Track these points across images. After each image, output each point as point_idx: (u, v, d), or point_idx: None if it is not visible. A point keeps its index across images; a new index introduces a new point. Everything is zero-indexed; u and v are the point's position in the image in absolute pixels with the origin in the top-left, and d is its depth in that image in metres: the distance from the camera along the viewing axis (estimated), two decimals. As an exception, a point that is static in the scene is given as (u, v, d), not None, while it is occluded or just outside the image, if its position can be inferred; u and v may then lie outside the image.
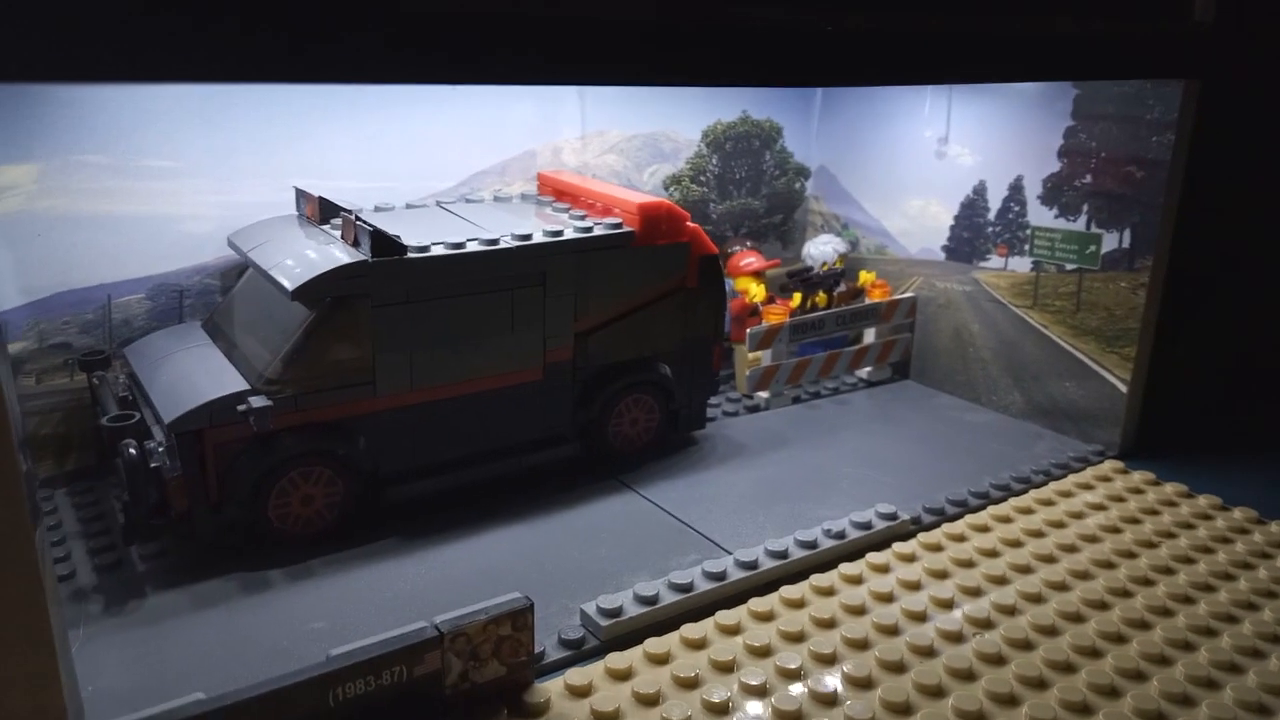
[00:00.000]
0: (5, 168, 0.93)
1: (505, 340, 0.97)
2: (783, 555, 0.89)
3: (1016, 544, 0.94)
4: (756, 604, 0.83)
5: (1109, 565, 0.91)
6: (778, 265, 1.38)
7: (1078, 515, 1.00)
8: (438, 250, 0.92)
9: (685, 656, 0.76)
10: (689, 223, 1.08)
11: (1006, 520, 0.99)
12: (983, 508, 1.02)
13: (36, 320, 0.98)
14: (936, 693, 0.73)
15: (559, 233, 0.99)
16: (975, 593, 0.86)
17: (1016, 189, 1.22)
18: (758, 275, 1.33)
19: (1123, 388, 1.15)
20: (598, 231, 1.02)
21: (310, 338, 0.88)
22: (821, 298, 1.37)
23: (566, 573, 0.89)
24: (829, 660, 0.76)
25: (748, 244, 1.40)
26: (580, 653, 0.78)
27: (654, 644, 0.77)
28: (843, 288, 1.41)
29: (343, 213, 0.94)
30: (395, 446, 0.94)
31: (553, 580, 0.87)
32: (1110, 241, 1.13)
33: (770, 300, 1.33)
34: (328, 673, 0.63)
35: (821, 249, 1.40)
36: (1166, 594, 0.86)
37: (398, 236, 0.91)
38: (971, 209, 1.28)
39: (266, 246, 0.95)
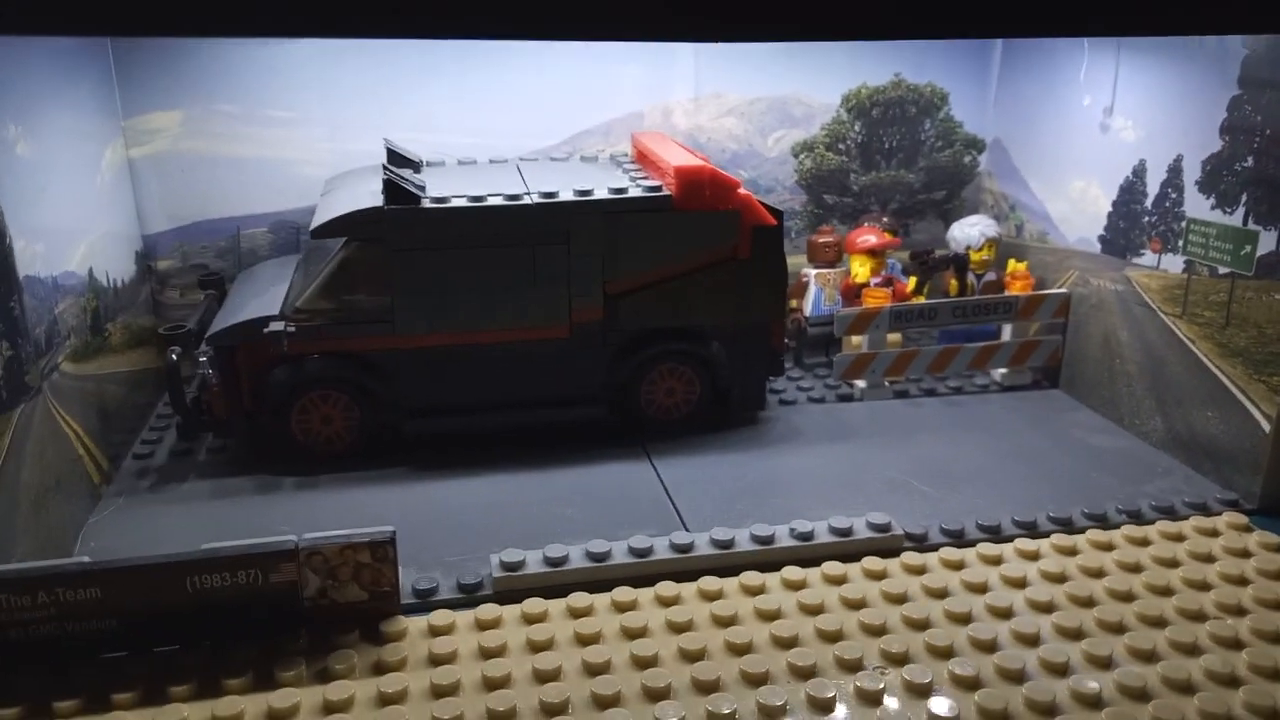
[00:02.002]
0: (156, 114, 1.12)
1: (527, 295, 1.00)
2: (726, 545, 0.84)
3: (1020, 584, 0.80)
4: (664, 588, 0.79)
5: (1116, 628, 0.74)
6: (898, 244, 1.26)
7: (1133, 567, 0.82)
8: (458, 202, 0.97)
9: (556, 623, 0.75)
10: (740, 190, 1.02)
11: (1031, 556, 0.84)
12: (1033, 537, 0.87)
13: (180, 243, 1.17)
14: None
15: (587, 192, 0.99)
16: (878, 631, 0.74)
17: (1175, 172, 1.00)
18: (874, 253, 1.22)
19: (1266, 425, 0.91)
20: (630, 194, 1.00)
21: (333, 275, 0.98)
22: (953, 284, 1.23)
23: (518, 524, 0.90)
24: (690, 657, 0.71)
25: (884, 220, 1.28)
26: (471, 598, 0.80)
27: (533, 604, 0.77)
28: (992, 276, 1.25)
29: (384, 164, 1.02)
30: (415, 384, 1.01)
31: (499, 529, 0.89)
32: (1268, 241, 0.90)
33: (885, 282, 1.22)
34: (185, 560, 0.71)
35: (967, 232, 1.25)
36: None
37: (422, 187, 0.97)
38: (1130, 194, 1.07)
39: (334, 191, 1.06)
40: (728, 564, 0.83)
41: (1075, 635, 0.74)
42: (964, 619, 0.76)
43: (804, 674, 0.70)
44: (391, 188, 0.95)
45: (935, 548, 0.86)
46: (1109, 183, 1.10)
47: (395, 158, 1.08)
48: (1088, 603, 0.78)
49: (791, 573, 0.81)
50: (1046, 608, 0.77)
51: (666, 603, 0.78)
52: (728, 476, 1.00)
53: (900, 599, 0.78)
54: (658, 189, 1.01)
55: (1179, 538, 0.87)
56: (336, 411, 1.00)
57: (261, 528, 0.88)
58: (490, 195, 0.98)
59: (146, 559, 0.71)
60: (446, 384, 1.01)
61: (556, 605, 0.77)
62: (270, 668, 0.70)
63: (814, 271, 1.26)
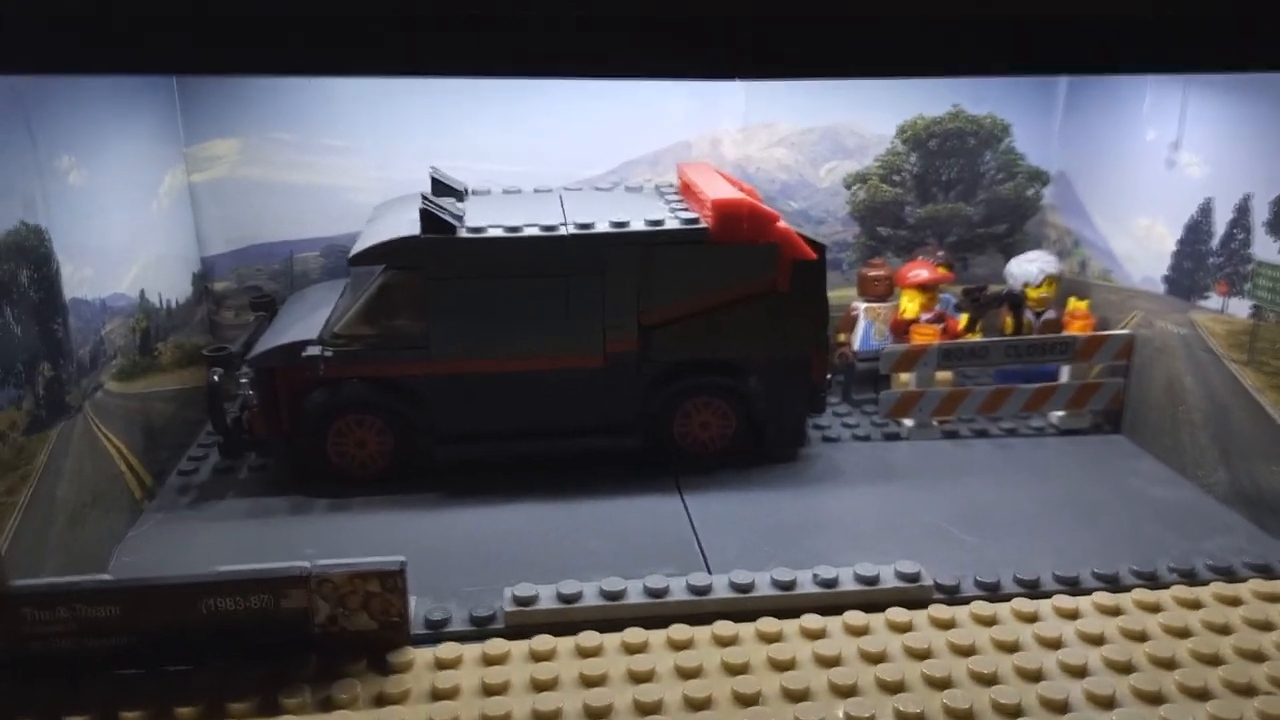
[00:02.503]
0: (217, 141, 1.16)
1: (561, 325, 0.99)
2: (745, 589, 0.82)
3: (1054, 644, 0.76)
4: (677, 631, 0.77)
5: (1154, 698, 0.70)
6: (951, 279, 1.22)
7: (1180, 632, 0.77)
8: (494, 233, 0.97)
9: (563, 662, 0.74)
10: (779, 224, 1.00)
11: (1070, 615, 0.79)
12: (1074, 593, 0.83)
13: (236, 266, 1.21)
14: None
15: (623, 224, 0.99)
16: (894, 688, 0.71)
17: (1243, 212, 0.94)
18: (925, 288, 1.18)
19: (1336, 485, 0.85)
20: (667, 226, 0.99)
21: (371, 301, 0.99)
22: (1009, 322, 1.18)
23: (540, 555, 0.90)
24: (695, 705, 0.69)
25: (939, 254, 1.24)
26: (482, 631, 0.79)
27: (542, 641, 0.76)
28: (1051, 314, 1.20)
29: (422, 193, 1.03)
30: (448, 410, 1.01)
31: (520, 559, 0.89)
32: (1341, 287, 0.84)
33: (936, 319, 1.18)
34: (201, 582, 0.72)
35: (1025, 268, 1.20)
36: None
37: (459, 216, 0.98)
38: (1195, 233, 1.02)
39: (378, 219, 1.08)
40: (745, 609, 0.81)
41: (1108, 704, 0.69)
42: (989, 680, 0.72)
43: (817, 730, 0.67)
44: (427, 217, 0.96)
45: (967, 600, 0.82)
46: (1174, 221, 1.04)
47: (439, 186, 1.09)
48: (1126, 669, 0.73)
49: (810, 621, 0.78)
50: (1079, 672, 0.73)
51: (678, 646, 0.76)
52: (759, 515, 0.97)
53: (923, 654, 0.75)
54: (695, 221, 1.00)
55: (1235, 601, 0.82)
56: (371, 436, 1.01)
57: (288, 549, 0.91)
58: (526, 226, 0.98)
59: (163, 579, 0.73)
60: (480, 411, 1.02)
61: (565, 644, 0.76)
62: (276, 693, 0.70)
63: (864, 305, 1.23)
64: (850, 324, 1.24)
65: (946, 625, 0.79)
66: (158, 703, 0.69)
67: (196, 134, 1.15)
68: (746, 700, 0.70)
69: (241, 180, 1.18)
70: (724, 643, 0.77)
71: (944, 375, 1.17)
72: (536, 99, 1.18)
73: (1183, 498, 1.01)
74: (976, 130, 1.26)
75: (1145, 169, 1.09)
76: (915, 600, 0.82)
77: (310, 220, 1.20)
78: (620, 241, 0.98)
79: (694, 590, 0.81)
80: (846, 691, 0.71)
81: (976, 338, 1.19)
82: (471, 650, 0.76)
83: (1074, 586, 0.85)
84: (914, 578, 0.83)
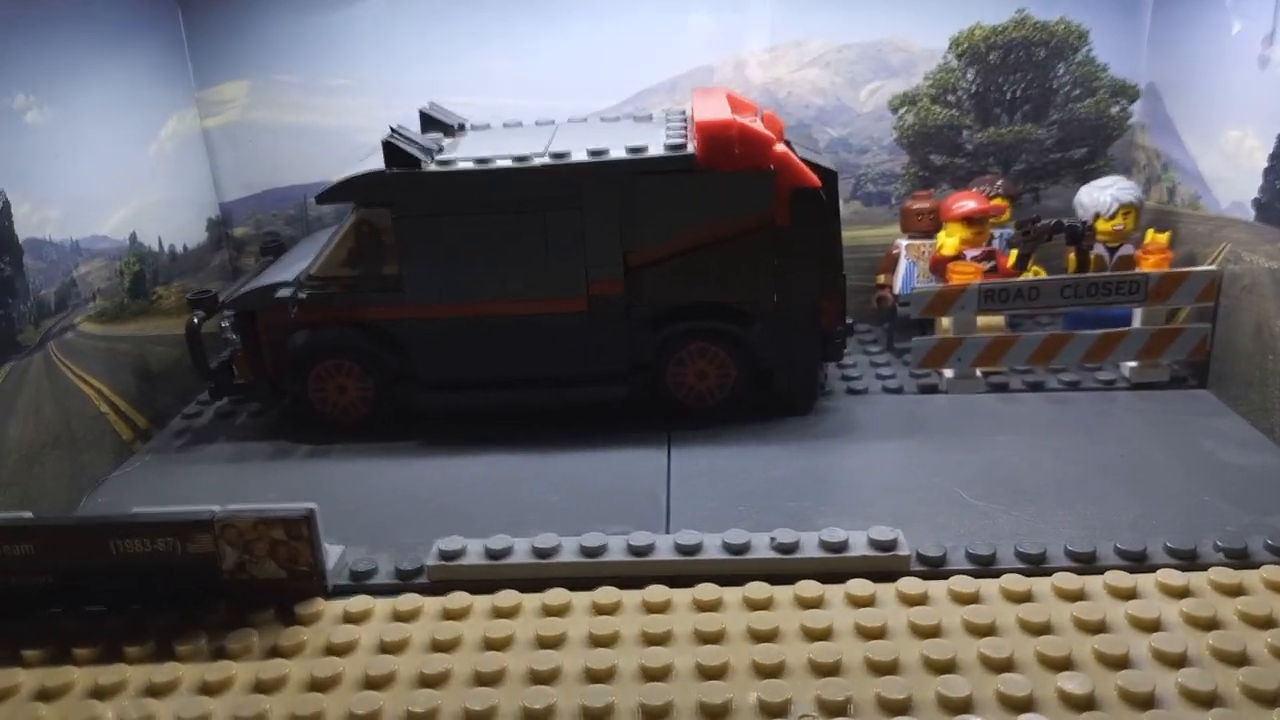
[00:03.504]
0: (227, 84, 1.15)
1: (540, 264, 0.93)
2: (691, 551, 0.73)
3: (1039, 629, 0.64)
4: (604, 595, 0.70)
5: (1144, 702, 0.57)
6: (1002, 212, 1.06)
7: (1206, 623, 0.63)
8: (463, 165, 0.91)
9: (473, 621, 0.68)
10: (775, 148, 0.89)
11: (1072, 597, 0.67)
12: (1085, 571, 0.70)
13: (254, 211, 1.20)
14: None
15: (601, 152, 0.90)
16: (828, 670, 0.61)
17: (1342, 111, 0.76)
18: (971, 221, 1.03)
19: None
20: (649, 153, 0.90)
21: (343, 242, 0.95)
22: (1071, 260, 1.02)
23: (498, 507, 0.84)
24: (591, 677, 0.62)
25: (999, 184, 1.09)
26: (404, 585, 0.74)
27: (456, 599, 0.70)
28: (1129, 250, 1.03)
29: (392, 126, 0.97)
30: (428, 357, 0.97)
31: (472, 511, 0.84)
32: None
33: (985, 256, 1.03)
34: (107, 523, 0.71)
35: (1096, 196, 1.04)
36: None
37: (430, 150, 0.93)
38: (1290, 143, 0.84)
39: (366, 159, 1.03)
40: (688, 572, 0.72)
41: (1084, 705, 0.57)
42: (942, 668, 0.61)
43: (714, 715, 0.59)
44: (391, 150, 0.90)
45: (951, 575, 0.71)
46: (1267, 131, 0.86)
47: (428, 121, 1.04)
48: (1119, 664, 0.60)
49: (755, 590, 0.69)
50: (1059, 664, 0.61)
51: (601, 610, 0.69)
52: (747, 473, 0.88)
53: (876, 634, 0.65)
54: (680, 147, 0.90)
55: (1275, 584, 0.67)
56: (351, 381, 0.98)
57: (254, 494, 0.89)
58: (497, 157, 0.92)
59: (72, 519, 0.72)
60: (460, 357, 0.97)
61: (482, 602, 0.70)
62: (173, 640, 0.68)
63: (905, 242, 1.10)
64: (891, 264, 1.11)
65: (914, 601, 0.68)
66: (59, 642, 0.68)
67: (207, 77, 1.15)
68: (652, 674, 0.62)
69: (252, 124, 1.16)
70: (653, 609, 0.69)
71: (993, 320, 1.02)
72: (543, 26, 1.11)
73: (1262, 464, 0.84)
74: (1047, 39, 1.09)
75: (1236, 71, 0.91)
76: (888, 572, 0.71)
77: (321, 163, 1.17)
78: (596, 171, 0.90)
79: (633, 551, 0.74)
80: (770, 672, 0.61)
81: (1035, 276, 1.04)
82: (384, 605, 0.71)
83: (1087, 564, 0.71)
84: (888, 546, 0.72)
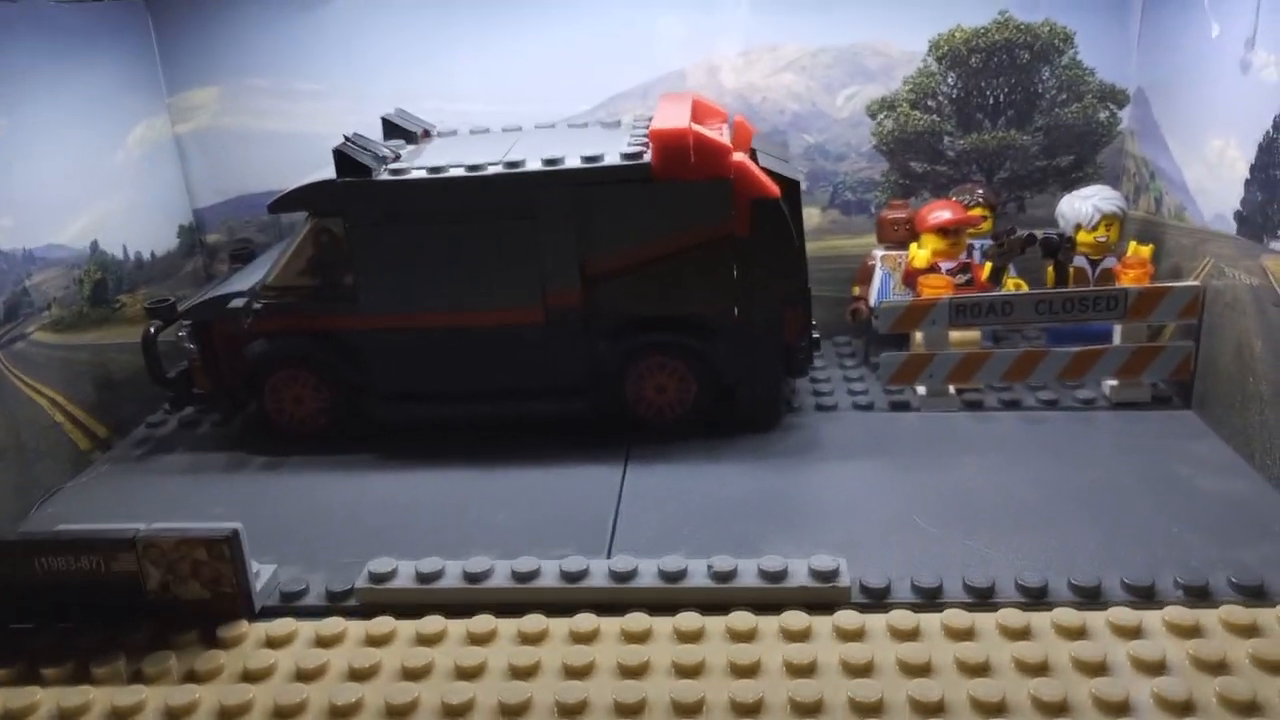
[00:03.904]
0: (197, 90, 1.14)
1: (495, 275, 0.91)
2: (624, 578, 0.71)
3: (976, 669, 0.61)
4: (530, 623, 0.68)
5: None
6: (979, 223, 1.02)
7: (1152, 667, 0.60)
8: (416, 174, 0.90)
9: (394, 649, 0.67)
10: (733, 157, 0.86)
11: (1016, 635, 0.64)
12: (1032, 608, 0.67)
13: (227, 218, 1.19)
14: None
15: (555, 161, 0.88)
16: (747, 710, 0.58)
17: (1321, 122, 0.72)
18: (945, 232, 1.00)
19: None
20: (604, 162, 0.88)
21: (298, 251, 0.94)
22: (1050, 273, 0.99)
23: (440, 526, 0.82)
24: (507, 712, 0.60)
25: (978, 194, 1.05)
26: (333, 607, 0.73)
27: (379, 624, 0.69)
28: (1112, 263, 1.00)
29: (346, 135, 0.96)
30: (385, 367, 0.95)
31: (414, 530, 0.82)
32: None
33: (961, 268, 1.00)
34: (33, 541, 0.70)
35: (1078, 206, 1.00)
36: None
37: (384, 158, 0.91)
38: (1270, 155, 0.79)
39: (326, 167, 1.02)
40: (621, 600, 0.70)
41: (1010, 755, 0.55)
42: (868, 710, 0.58)
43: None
44: (341, 158, 0.89)
45: (892, 607, 0.68)
46: (1247, 140, 0.82)
47: (390, 128, 1.03)
48: (1057, 710, 0.57)
49: (687, 621, 0.67)
50: (993, 709, 0.58)
51: (527, 639, 0.67)
52: (699, 493, 0.85)
53: (804, 671, 0.62)
54: (637, 156, 0.88)
55: (1250, 631, 0.63)
56: (307, 392, 0.97)
57: (198, 509, 0.88)
58: (451, 166, 0.90)
59: (4, 534, 0.71)
60: (417, 369, 0.95)
61: (406, 628, 0.69)
62: (93, 660, 0.67)
63: (881, 253, 1.06)
64: (867, 275, 1.08)
65: (850, 636, 0.65)
66: (-20, 663, 0.67)
67: (177, 83, 1.14)
68: (567, 710, 0.60)
69: (223, 130, 1.16)
70: (579, 638, 0.67)
71: (967, 336, 0.99)
72: (513, 29, 1.09)
73: (1239, 492, 0.81)
74: (1031, 41, 1.05)
75: (1219, 76, 0.86)
76: (827, 602, 0.69)
77: (290, 169, 1.14)
78: (550, 181, 0.88)
79: (565, 576, 0.71)
80: (687, 710, 0.59)
81: (1015, 290, 1.00)
82: (308, 628, 0.69)
83: (1038, 598, 0.68)
84: (829, 576, 0.69)
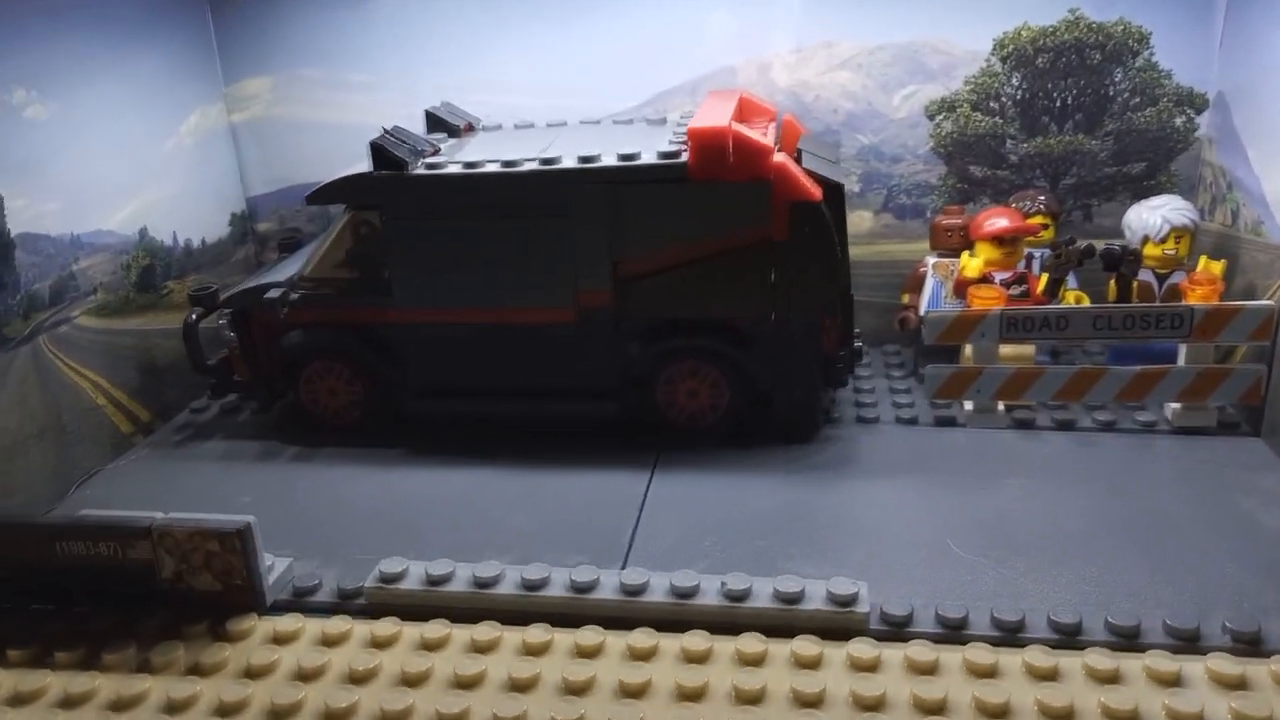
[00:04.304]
0: (252, 79, 1.15)
1: (528, 273, 0.89)
2: (635, 592, 0.69)
3: (995, 713, 0.57)
4: (534, 633, 0.66)
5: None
6: (1037, 231, 0.97)
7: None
8: (451, 169, 0.89)
9: (395, 653, 0.66)
10: (773, 158, 0.83)
11: (1043, 676, 0.60)
12: (1063, 646, 0.63)
13: (277, 207, 1.20)
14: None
15: (591, 159, 0.86)
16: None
17: None
18: (1001, 242, 0.95)
19: None
20: (640, 161, 0.85)
21: (335, 243, 0.94)
22: (1111, 287, 0.93)
23: (459, 526, 0.82)
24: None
25: (1040, 200, 1.00)
26: (343, 605, 0.72)
27: (384, 625, 0.68)
28: (1180, 278, 0.94)
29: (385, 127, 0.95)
30: (417, 362, 0.94)
31: (434, 528, 0.81)
32: None
33: (1017, 279, 0.95)
34: (54, 525, 0.71)
35: (1146, 217, 0.94)
36: None
37: (421, 151, 0.90)
38: (1356, 167, 0.73)
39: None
40: (629, 614, 0.68)
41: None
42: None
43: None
44: (378, 151, 0.88)
45: (913, 638, 0.64)
46: (1333, 151, 0.76)
47: (434, 122, 1.02)
48: (1076, 763, 0.53)
49: (694, 641, 0.65)
50: (1006, 758, 0.54)
51: (530, 650, 0.65)
52: (726, 505, 0.83)
53: (812, 702, 0.59)
54: (674, 155, 0.85)
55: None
56: (341, 384, 0.97)
57: (228, 497, 0.89)
58: (486, 162, 0.88)
59: (20, 518, 0.72)
60: (449, 365, 0.94)
61: (411, 631, 0.68)
62: (103, 646, 0.67)
63: (933, 260, 1.02)
64: (918, 283, 1.03)
65: (864, 668, 0.62)
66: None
67: (234, 72, 1.15)
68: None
69: (277, 120, 1.17)
70: (582, 653, 0.65)
71: (1021, 350, 0.94)
72: (561, 24, 1.07)
73: (1306, 531, 0.75)
74: (1103, 42, 0.99)
75: (1306, 82, 0.80)
76: (844, 629, 0.66)
77: (340, 159, 1.14)
78: (585, 178, 0.86)
79: (575, 587, 0.70)
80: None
81: (1075, 303, 0.95)
82: (315, 626, 0.69)
83: (1071, 636, 0.64)
84: (847, 601, 0.66)
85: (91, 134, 0.94)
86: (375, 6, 1.10)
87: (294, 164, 1.18)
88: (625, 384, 0.92)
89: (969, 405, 0.94)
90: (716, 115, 0.86)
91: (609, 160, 0.86)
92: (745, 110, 0.97)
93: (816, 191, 0.84)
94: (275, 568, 0.74)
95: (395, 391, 0.96)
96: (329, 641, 0.68)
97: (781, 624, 0.66)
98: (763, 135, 0.87)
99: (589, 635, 0.66)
